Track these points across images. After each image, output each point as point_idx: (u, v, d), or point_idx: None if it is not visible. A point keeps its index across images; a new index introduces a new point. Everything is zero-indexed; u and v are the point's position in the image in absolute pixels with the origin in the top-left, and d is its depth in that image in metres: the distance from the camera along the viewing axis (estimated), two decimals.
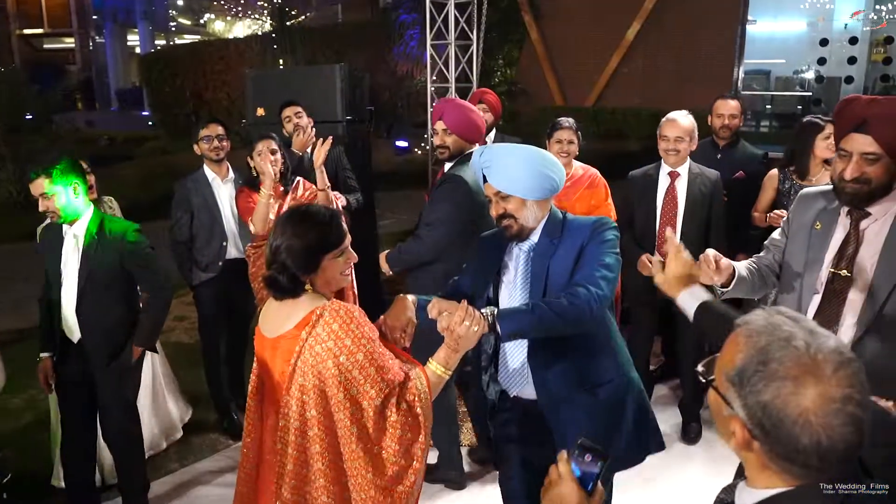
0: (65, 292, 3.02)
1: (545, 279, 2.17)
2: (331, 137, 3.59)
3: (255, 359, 2.04)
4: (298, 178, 3.84)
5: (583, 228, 2.18)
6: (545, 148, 4.02)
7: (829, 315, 2.10)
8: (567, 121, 3.94)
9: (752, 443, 1.02)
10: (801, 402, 0.96)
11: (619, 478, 2.38)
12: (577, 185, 4.00)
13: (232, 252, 3.99)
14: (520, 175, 2.13)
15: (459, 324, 1.87)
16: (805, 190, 2.35)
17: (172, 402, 4.06)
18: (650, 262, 2.11)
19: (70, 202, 2.90)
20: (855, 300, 2.07)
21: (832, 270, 2.11)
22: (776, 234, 2.39)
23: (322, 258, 1.87)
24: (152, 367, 3.90)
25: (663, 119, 3.70)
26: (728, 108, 4.15)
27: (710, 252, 2.13)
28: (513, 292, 2.25)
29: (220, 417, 4.19)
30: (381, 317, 2.14)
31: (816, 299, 2.15)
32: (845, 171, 2.02)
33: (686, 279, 1.90)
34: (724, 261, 2.15)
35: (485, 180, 2.19)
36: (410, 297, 2.14)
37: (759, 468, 1.06)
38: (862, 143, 1.98)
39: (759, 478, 1.07)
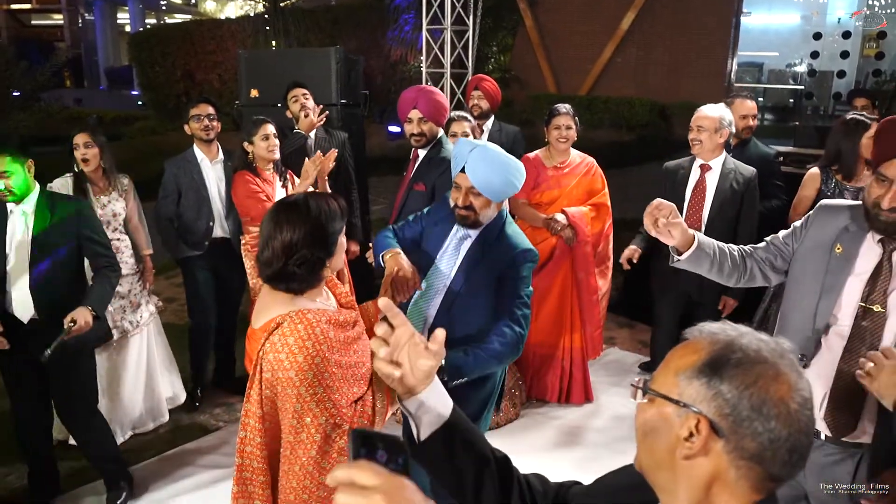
0: (13, 270, 2.94)
1: (467, 274, 2.42)
2: (334, 151, 3.57)
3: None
4: (289, 171, 3.83)
5: (508, 252, 2.40)
6: (543, 135, 4.05)
7: (861, 353, 1.89)
8: (564, 107, 4.01)
9: (713, 444, 0.95)
10: (779, 387, 0.94)
11: (593, 452, 2.46)
12: (574, 172, 4.04)
13: (217, 231, 4.04)
14: (497, 182, 2.34)
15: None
16: (825, 202, 2.17)
17: (166, 383, 4.05)
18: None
19: (25, 180, 2.91)
20: (890, 340, 1.89)
21: (863, 305, 1.93)
22: (783, 235, 2.23)
23: (338, 237, 1.87)
24: (147, 345, 3.91)
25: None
26: (748, 108, 4.19)
27: (655, 204, 2.02)
28: (437, 272, 2.50)
29: (189, 397, 4.19)
30: (386, 282, 2.30)
31: (839, 332, 1.98)
32: (883, 198, 1.87)
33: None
34: (680, 222, 2.03)
35: (462, 170, 2.35)
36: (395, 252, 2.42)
37: (705, 485, 0.97)
38: None
39: (702, 499, 0.98)
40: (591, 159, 4.11)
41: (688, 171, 3.77)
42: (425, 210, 2.73)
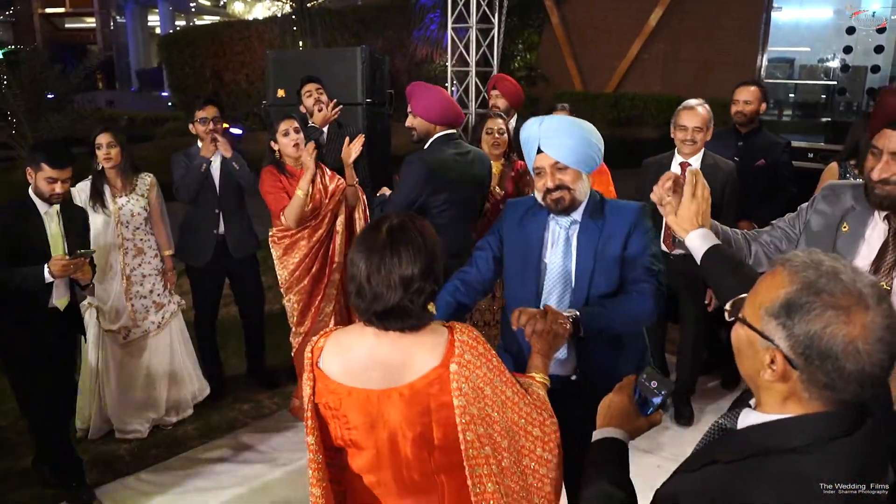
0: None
1: (593, 260, 2.18)
2: (362, 136, 3.61)
3: (331, 421, 1.66)
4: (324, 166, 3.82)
5: (626, 213, 2.20)
6: None
7: None
8: (562, 105, 4.00)
9: (790, 374, 1.07)
10: (850, 330, 1.01)
11: None
12: None
13: (220, 229, 4.06)
14: (579, 148, 2.13)
15: (549, 328, 1.89)
16: (832, 182, 2.15)
17: (191, 379, 4.12)
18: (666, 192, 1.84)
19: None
20: None
21: None
22: (788, 218, 2.19)
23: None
24: (170, 343, 3.97)
25: (680, 108, 3.63)
26: (743, 93, 4.09)
27: (667, 175, 1.91)
28: (554, 271, 2.24)
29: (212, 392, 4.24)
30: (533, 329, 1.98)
31: None
32: (874, 170, 1.88)
33: (698, 219, 1.77)
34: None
35: (539, 151, 2.15)
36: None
37: (783, 398, 1.10)
38: (893, 140, 1.83)
39: (779, 406, 1.11)
40: None
41: (668, 167, 3.70)
42: (493, 227, 2.43)
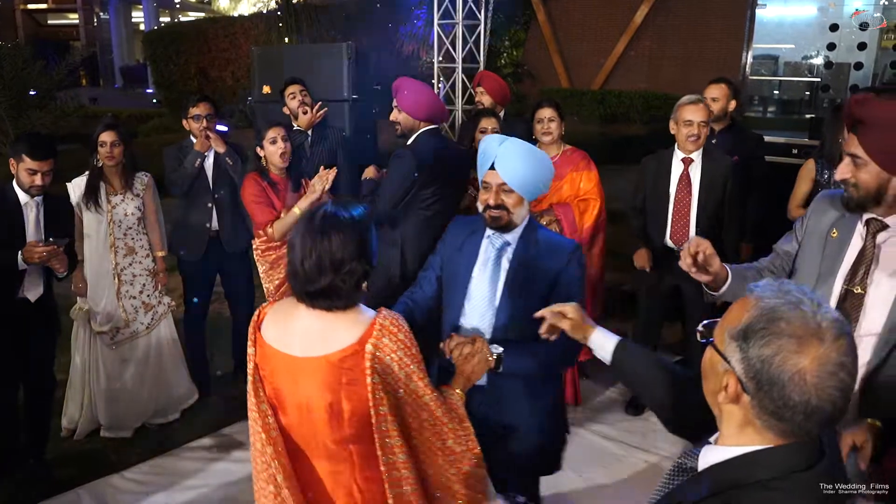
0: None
1: (519, 287, 2.23)
2: (334, 170, 3.53)
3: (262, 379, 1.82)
4: (304, 179, 3.73)
5: (560, 251, 2.24)
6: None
7: None
8: (548, 100, 3.91)
9: (741, 396, 1.09)
10: (800, 360, 1.02)
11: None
12: (563, 167, 3.91)
13: (215, 226, 4.07)
14: (529, 177, 2.18)
15: (473, 360, 2.02)
16: (823, 192, 2.17)
17: (179, 380, 4.08)
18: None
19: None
20: (871, 325, 1.89)
21: (845, 287, 1.95)
22: (784, 240, 2.23)
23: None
24: (157, 344, 3.94)
25: (682, 102, 3.60)
26: (711, 91, 4.12)
27: (696, 243, 2.00)
28: (483, 287, 2.29)
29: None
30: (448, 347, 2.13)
31: None
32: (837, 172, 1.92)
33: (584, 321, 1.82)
34: (715, 261, 2.02)
35: (492, 167, 2.20)
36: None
37: (739, 425, 1.12)
38: (851, 144, 1.86)
39: (737, 435, 1.13)
40: (581, 152, 3.98)
41: (668, 164, 3.70)
42: (438, 247, 2.50)
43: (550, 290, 2.20)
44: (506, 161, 2.17)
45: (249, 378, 1.82)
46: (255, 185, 3.58)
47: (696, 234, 3.57)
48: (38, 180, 3.12)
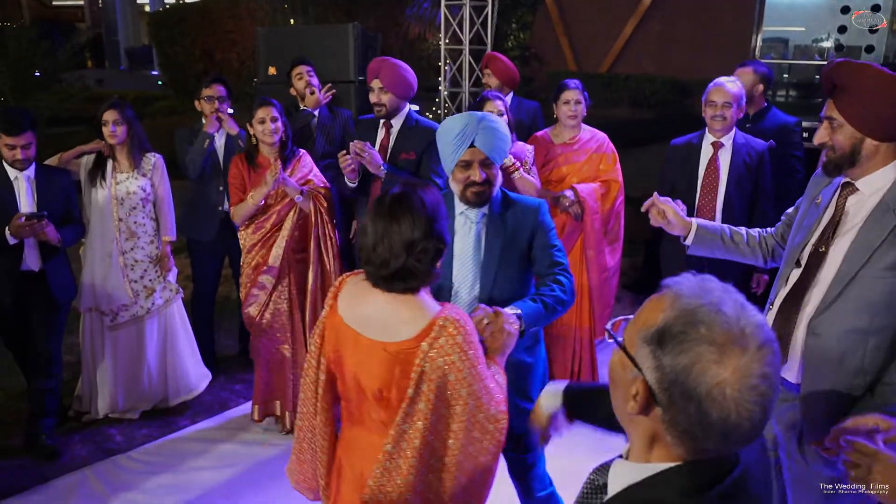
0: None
1: (500, 251, 2.34)
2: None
3: (321, 351, 1.90)
4: (303, 151, 3.70)
5: (529, 210, 2.37)
6: (552, 111, 3.98)
7: (798, 291, 2.06)
8: (573, 82, 3.90)
9: (652, 408, 0.97)
10: (720, 372, 0.90)
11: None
12: (584, 149, 3.94)
13: (226, 208, 4.04)
14: (504, 148, 2.34)
15: (501, 336, 2.02)
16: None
17: (189, 364, 4.07)
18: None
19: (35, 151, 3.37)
20: (825, 279, 2.00)
21: (813, 245, 2.06)
22: (793, 208, 2.32)
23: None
24: (164, 328, 3.94)
25: (710, 85, 3.58)
26: (736, 75, 4.06)
27: (661, 200, 2.29)
28: (465, 262, 2.37)
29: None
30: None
31: (796, 273, 2.09)
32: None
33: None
34: (671, 206, 2.28)
35: (471, 145, 2.26)
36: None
37: (648, 439, 1.01)
38: (829, 108, 1.97)
39: (646, 451, 1.02)
40: (602, 135, 3.99)
41: (698, 148, 3.65)
42: None
43: (529, 246, 2.36)
44: (488, 136, 2.27)
45: (316, 331, 1.92)
46: (234, 168, 3.57)
47: (722, 222, 3.52)
48: (18, 154, 3.26)
